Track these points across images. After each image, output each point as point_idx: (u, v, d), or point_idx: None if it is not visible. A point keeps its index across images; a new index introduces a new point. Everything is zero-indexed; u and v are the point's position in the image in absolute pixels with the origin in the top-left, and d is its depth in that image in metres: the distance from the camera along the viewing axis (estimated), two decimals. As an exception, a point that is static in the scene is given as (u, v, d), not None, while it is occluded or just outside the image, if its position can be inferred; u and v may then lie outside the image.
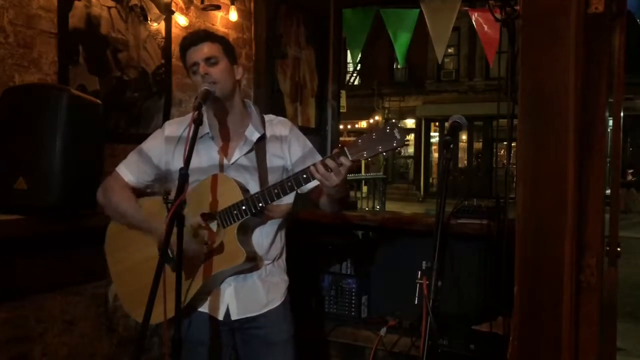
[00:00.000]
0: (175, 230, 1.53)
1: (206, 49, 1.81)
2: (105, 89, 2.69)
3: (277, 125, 1.95)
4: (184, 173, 1.54)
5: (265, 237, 1.90)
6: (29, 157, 2.05)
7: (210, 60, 1.81)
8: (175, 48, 3.12)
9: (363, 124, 21.99)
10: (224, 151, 1.88)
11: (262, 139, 1.89)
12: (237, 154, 1.87)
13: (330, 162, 1.63)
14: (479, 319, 2.66)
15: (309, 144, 1.98)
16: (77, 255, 2.26)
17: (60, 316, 2.30)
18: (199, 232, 1.78)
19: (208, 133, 1.85)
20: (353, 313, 3.09)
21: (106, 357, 2.48)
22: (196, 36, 1.86)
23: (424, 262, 2.80)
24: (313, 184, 1.75)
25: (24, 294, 2.16)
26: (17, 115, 2.08)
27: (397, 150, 1.63)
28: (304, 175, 1.68)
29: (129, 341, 2.54)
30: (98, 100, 2.28)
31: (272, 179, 1.87)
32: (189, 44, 1.84)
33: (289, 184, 1.70)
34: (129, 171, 1.91)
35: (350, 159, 1.62)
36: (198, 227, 1.77)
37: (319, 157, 1.96)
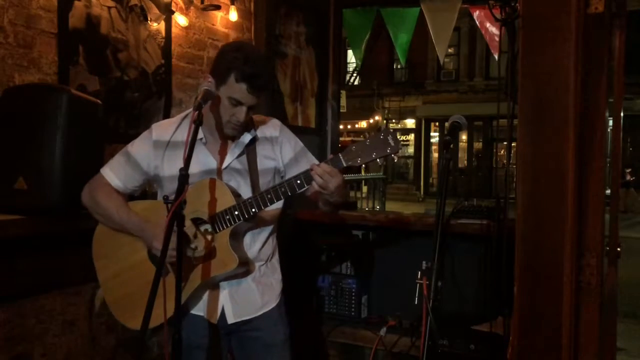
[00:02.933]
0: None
1: (259, 98, 1.76)
2: (105, 89, 2.69)
3: (267, 127, 1.92)
4: (184, 173, 1.52)
5: (256, 242, 1.88)
6: (29, 157, 2.05)
7: (252, 107, 1.77)
8: (175, 48, 3.12)
9: (363, 124, 21.99)
10: (216, 155, 1.84)
11: (253, 141, 1.87)
12: (229, 158, 1.84)
13: (325, 168, 1.63)
14: (479, 319, 2.66)
15: (300, 143, 1.97)
16: (77, 255, 2.25)
17: (60, 316, 2.30)
18: (190, 237, 1.76)
19: (202, 139, 1.80)
20: (353, 313, 3.09)
21: (106, 357, 2.48)
22: (263, 85, 1.75)
23: (424, 262, 2.81)
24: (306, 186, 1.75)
25: (24, 294, 2.16)
26: (17, 115, 2.08)
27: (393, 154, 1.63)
28: (298, 181, 1.67)
29: (128, 341, 2.54)
30: (98, 100, 2.27)
31: (264, 181, 1.86)
32: (253, 84, 1.71)
33: (283, 189, 1.68)
34: (115, 175, 1.85)
35: (344, 165, 1.62)
36: (189, 231, 1.75)
37: (310, 156, 1.97)
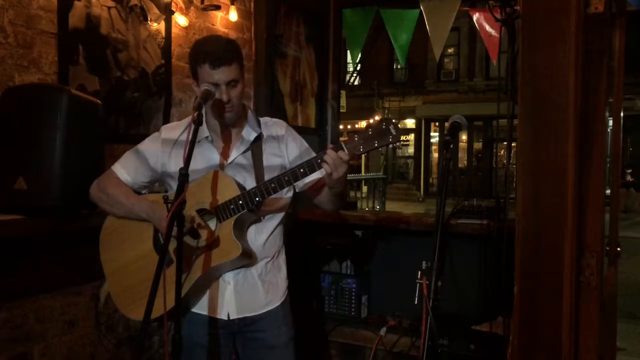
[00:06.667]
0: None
1: (230, 72, 1.75)
2: (105, 89, 2.69)
3: (273, 126, 1.97)
4: (184, 173, 1.54)
5: (261, 234, 1.90)
6: (29, 157, 2.05)
7: (231, 84, 1.77)
8: (175, 48, 3.12)
9: (363, 124, 21.98)
10: (222, 152, 1.89)
11: (259, 138, 1.90)
12: (235, 154, 1.88)
13: (341, 154, 1.65)
14: (479, 319, 2.66)
15: (305, 143, 2.01)
16: (77, 255, 2.25)
17: (60, 316, 2.30)
18: (194, 227, 1.78)
19: (207, 137, 1.85)
20: (353, 313, 3.09)
21: (106, 357, 2.48)
22: (222, 56, 1.73)
23: (424, 262, 2.80)
24: (310, 178, 1.78)
25: (24, 294, 2.16)
26: (17, 115, 2.08)
27: (396, 150, 1.65)
28: (302, 170, 1.70)
29: (129, 341, 2.54)
30: (98, 100, 2.28)
31: (270, 177, 1.87)
32: (211, 61, 1.72)
33: (286, 178, 1.71)
34: (125, 171, 1.91)
35: (346, 152, 1.64)
36: (193, 221, 1.77)
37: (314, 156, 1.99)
